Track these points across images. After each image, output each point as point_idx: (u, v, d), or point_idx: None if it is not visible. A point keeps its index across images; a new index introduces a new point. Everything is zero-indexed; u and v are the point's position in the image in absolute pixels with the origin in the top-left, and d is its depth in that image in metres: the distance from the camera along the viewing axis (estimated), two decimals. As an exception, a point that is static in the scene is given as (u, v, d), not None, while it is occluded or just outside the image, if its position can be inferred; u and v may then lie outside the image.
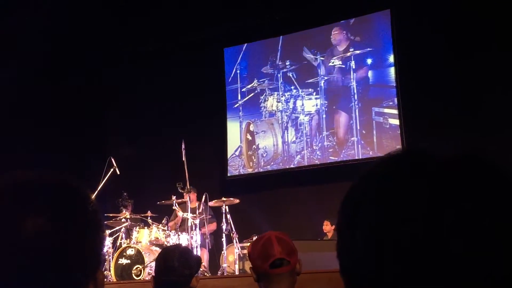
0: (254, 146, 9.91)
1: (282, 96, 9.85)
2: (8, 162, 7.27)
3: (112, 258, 7.01)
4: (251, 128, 9.99)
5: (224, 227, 7.15)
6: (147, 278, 6.40)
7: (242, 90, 10.18)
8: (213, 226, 7.84)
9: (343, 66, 9.41)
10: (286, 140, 9.69)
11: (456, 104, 8.23)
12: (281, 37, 9.95)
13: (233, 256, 7.14)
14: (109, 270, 6.93)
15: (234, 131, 10.11)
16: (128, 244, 7.07)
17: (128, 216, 7.43)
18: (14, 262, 0.78)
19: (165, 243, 7.01)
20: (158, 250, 6.17)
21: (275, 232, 2.35)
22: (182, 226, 7.55)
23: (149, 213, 7.52)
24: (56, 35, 9.05)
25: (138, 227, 7.27)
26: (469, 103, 8.16)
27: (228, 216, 7.25)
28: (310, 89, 9.64)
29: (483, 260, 0.58)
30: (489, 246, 0.58)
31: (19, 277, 0.78)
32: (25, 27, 8.35)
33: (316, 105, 9.55)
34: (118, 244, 7.32)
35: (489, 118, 7.89)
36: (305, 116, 9.60)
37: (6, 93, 8.20)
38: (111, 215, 7.51)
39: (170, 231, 7.23)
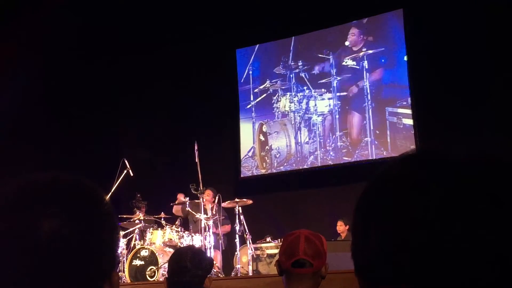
0: (267, 147, 9.90)
1: (294, 97, 9.83)
2: (23, 163, 7.34)
3: (126, 259, 7.05)
4: (264, 129, 9.98)
5: (237, 228, 7.16)
6: (161, 279, 6.42)
7: (255, 90, 10.18)
8: (227, 228, 7.84)
9: (356, 66, 9.38)
10: (299, 140, 9.67)
11: (470, 104, 8.15)
12: (293, 37, 9.94)
13: (246, 257, 7.14)
14: (123, 271, 6.96)
15: (247, 132, 10.10)
16: (142, 245, 7.10)
17: (142, 218, 7.46)
18: (30, 263, 0.79)
19: (179, 244, 7.03)
20: (172, 251, 6.17)
21: (308, 231, 2.30)
22: (196, 228, 7.57)
23: (162, 215, 7.54)
24: (70, 37, 9.12)
25: (151, 228, 7.31)
26: (483, 102, 8.09)
27: (241, 217, 7.25)
28: (323, 89, 9.61)
29: (499, 263, 0.57)
30: (505, 249, 0.57)
31: (35, 277, 0.79)
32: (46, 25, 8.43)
33: (329, 105, 9.52)
34: (132, 245, 7.36)
35: (504, 117, 7.81)
36: (318, 116, 9.58)
37: (22, 96, 8.27)
38: (125, 216, 7.55)
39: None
